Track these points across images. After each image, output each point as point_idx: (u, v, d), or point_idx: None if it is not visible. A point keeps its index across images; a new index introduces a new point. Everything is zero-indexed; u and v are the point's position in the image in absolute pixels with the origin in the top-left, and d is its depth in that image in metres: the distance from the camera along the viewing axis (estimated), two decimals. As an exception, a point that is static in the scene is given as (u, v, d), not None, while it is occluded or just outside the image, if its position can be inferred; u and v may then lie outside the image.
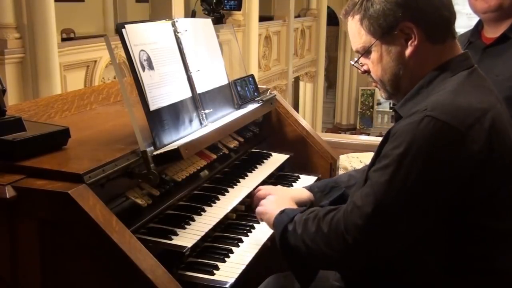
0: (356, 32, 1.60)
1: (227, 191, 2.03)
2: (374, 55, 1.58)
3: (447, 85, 1.48)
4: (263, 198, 2.00)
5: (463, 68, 1.52)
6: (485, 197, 1.40)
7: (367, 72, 1.64)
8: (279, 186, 2.14)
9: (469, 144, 1.35)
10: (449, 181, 1.36)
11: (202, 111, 1.98)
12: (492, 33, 2.41)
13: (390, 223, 1.39)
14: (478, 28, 2.49)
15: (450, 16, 1.54)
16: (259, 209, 1.81)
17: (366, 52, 1.59)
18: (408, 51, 1.52)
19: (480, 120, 1.38)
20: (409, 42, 1.52)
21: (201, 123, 1.96)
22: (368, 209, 1.38)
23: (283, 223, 1.63)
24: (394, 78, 1.57)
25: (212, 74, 2.16)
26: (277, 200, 1.83)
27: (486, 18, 2.42)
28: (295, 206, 1.81)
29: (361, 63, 1.65)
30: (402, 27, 1.51)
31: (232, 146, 2.26)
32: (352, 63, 1.70)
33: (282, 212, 1.70)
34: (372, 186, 1.41)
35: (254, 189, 2.11)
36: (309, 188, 2.05)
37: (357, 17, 1.58)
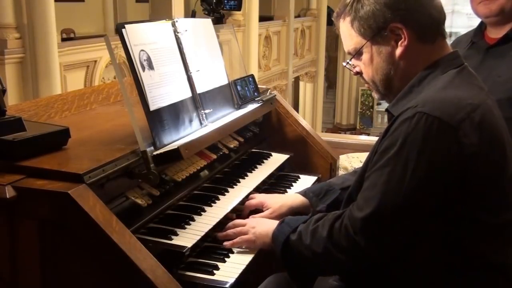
0: (347, 34, 1.63)
1: (227, 191, 2.03)
2: (365, 56, 1.60)
3: (437, 82, 1.50)
4: (255, 207, 1.99)
5: (453, 67, 1.54)
6: (478, 191, 1.42)
7: (359, 73, 1.66)
8: (271, 194, 2.13)
9: (460, 138, 1.37)
10: (444, 176, 1.38)
11: (202, 111, 1.98)
12: (495, 33, 2.41)
13: (396, 220, 1.41)
14: (482, 28, 2.49)
15: (439, 16, 1.56)
16: (244, 237, 1.77)
17: (357, 53, 1.61)
18: (398, 52, 1.54)
19: (470, 115, 1.40)
20: (399, 43, 1.54)
21: (201, 123, 1.96)
22: (371, 211, 1.41)
23: (284, 233, 1.63)
24: (386, 78, 1.59)
25: (212, 74, 2.16)
26: (260, 222, 1.83)
27: (488, 22, 2.43)
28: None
29: (353, 65, 1.67)
30: (392, 28, 1.53)
31: (232, 146, 2.26)
32: (344, 64, 1.72)
33: (282, 222, 1.69)
34: (372, 187, 1.43)
35: (253, 190, 2.11)
36: (303, 193, 2.04)
37: (348, 19, 1.60)
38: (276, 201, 1.99)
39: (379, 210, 1.40)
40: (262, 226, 1.78)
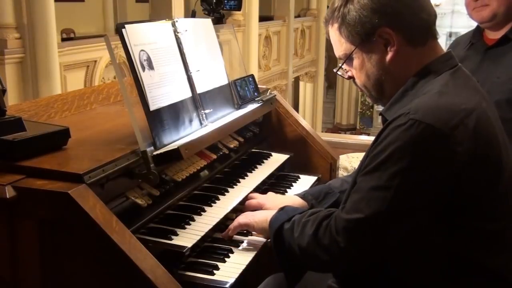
0: (336, 40, 1.61)
1: (227, 191, 2.03)
2: (356, 62, 1.58)
3: (431, 87, 1.47)
4: (254, 208, 1.99)
5: (447, 68, 1.52)
6: (474, 198, 1.40)
7: (352, 78, 1.64)
8: (270, 193, 2.12)
9: (453, 146, 1.34)
10: (435, 183, 1.36)
11: (202, 111, 1.98)
12: (494, 34, 2.42)
13: (379, 226, 1.39)
14: (480, 29, 2.50)
15: (428, 18, 1.53)
16: (244, 221, 1.80)
17: (348, 59, 1.59)
18: (388, 57, 1.52)
19: (464, 121, 1.37)
20: (389, 48, 1.51)
21: (201, 123, 1.96)
22: (357, 215, 1.40)
23: (280, 220, 1.63)
24: (378, 83, 1.57)
25: (212, 74, 2.16)
26: (260, 211, 1.85)
27: (484, 27, 2.45)
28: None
29: (345, 70, 1.65)
30: (380, 33, 1.50)
31: (232, 146, 2.26)
32: (335, 70, 1.69)
33: (282, 209, 1.70)
34: (360, 190, 1.42)
35: (253, 190, 2.11)
36: (303, 195, 2.03)
37: (336, 25, 1.58)
38: (275, 205, 1.98)
39: (363, 215, 1.38)
40: (261, 213, 1.81)
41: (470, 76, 1.57)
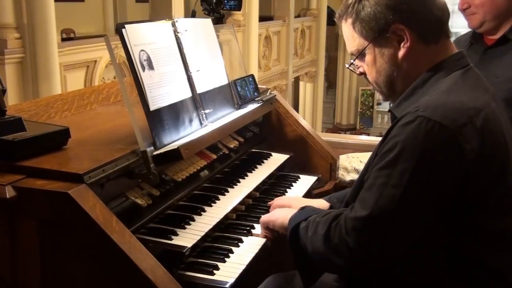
0: (349, 35, 1.61)
1: (227, 191, 2.03)
2: (368, 57, 1.59)
3: (441, 85, 1.48)
4: (281, 206, 1.96)
5: (458, 68, 1.52)
6: (479, 197, 1.40)
7: (363, 74, 1.65)
8: (297, 197, 2.11)
9: (461, 144, 1.35)
10: (443, 181, 1.36)
11: (202, 111, 1.98)
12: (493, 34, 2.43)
13: (388, 225, 1.38)
14: None
15: (442, 16, 1.53)
16: (267, 217, 1.79)
17: (360, 54, 1.60)
18: (401, 53, 1.52)
19: (472, 120, 1.38)
20: (402, 44, 1.52)
21: (201, 123, 1.96)
22: (366, 213, 1.39)
23: (298, 219, 1.62)
24: (389, 79, 1.58)
25: (212, 74, 2.16)
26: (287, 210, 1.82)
27: (479, 32, 2.48)
28: None
29: (357, 66, 1.66)
30: (394, 29, 1.51)
31: (232, 146, 2.26)
32: (347, 66, 1.70)
33: (303, 208, 1.69)
34: (369, 189, 1.42)
35: (253, 190, 2.11)
36: (328, 199, 2.01)
37: (350, 20, 1.59)
38: (300, 205, 1.96)
39: (372, 213, 1.38)
40: (282, 210, 1.80)
41: (481, 77, 1.57)
